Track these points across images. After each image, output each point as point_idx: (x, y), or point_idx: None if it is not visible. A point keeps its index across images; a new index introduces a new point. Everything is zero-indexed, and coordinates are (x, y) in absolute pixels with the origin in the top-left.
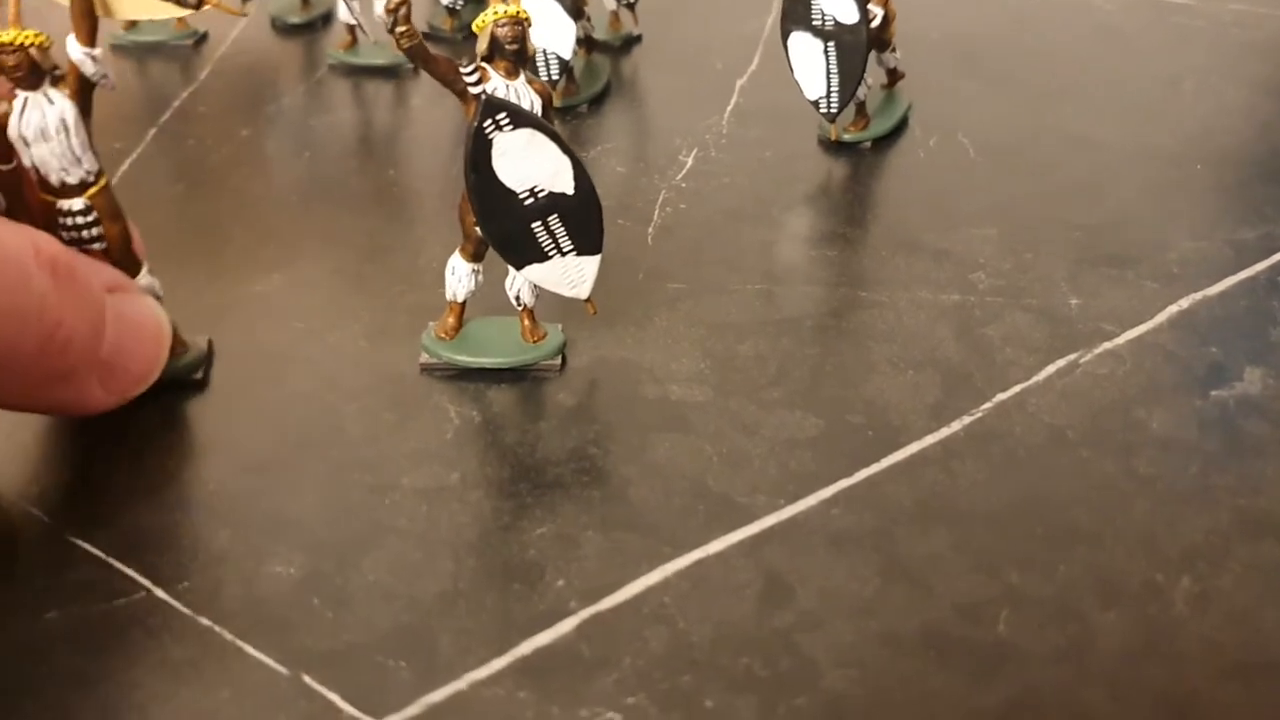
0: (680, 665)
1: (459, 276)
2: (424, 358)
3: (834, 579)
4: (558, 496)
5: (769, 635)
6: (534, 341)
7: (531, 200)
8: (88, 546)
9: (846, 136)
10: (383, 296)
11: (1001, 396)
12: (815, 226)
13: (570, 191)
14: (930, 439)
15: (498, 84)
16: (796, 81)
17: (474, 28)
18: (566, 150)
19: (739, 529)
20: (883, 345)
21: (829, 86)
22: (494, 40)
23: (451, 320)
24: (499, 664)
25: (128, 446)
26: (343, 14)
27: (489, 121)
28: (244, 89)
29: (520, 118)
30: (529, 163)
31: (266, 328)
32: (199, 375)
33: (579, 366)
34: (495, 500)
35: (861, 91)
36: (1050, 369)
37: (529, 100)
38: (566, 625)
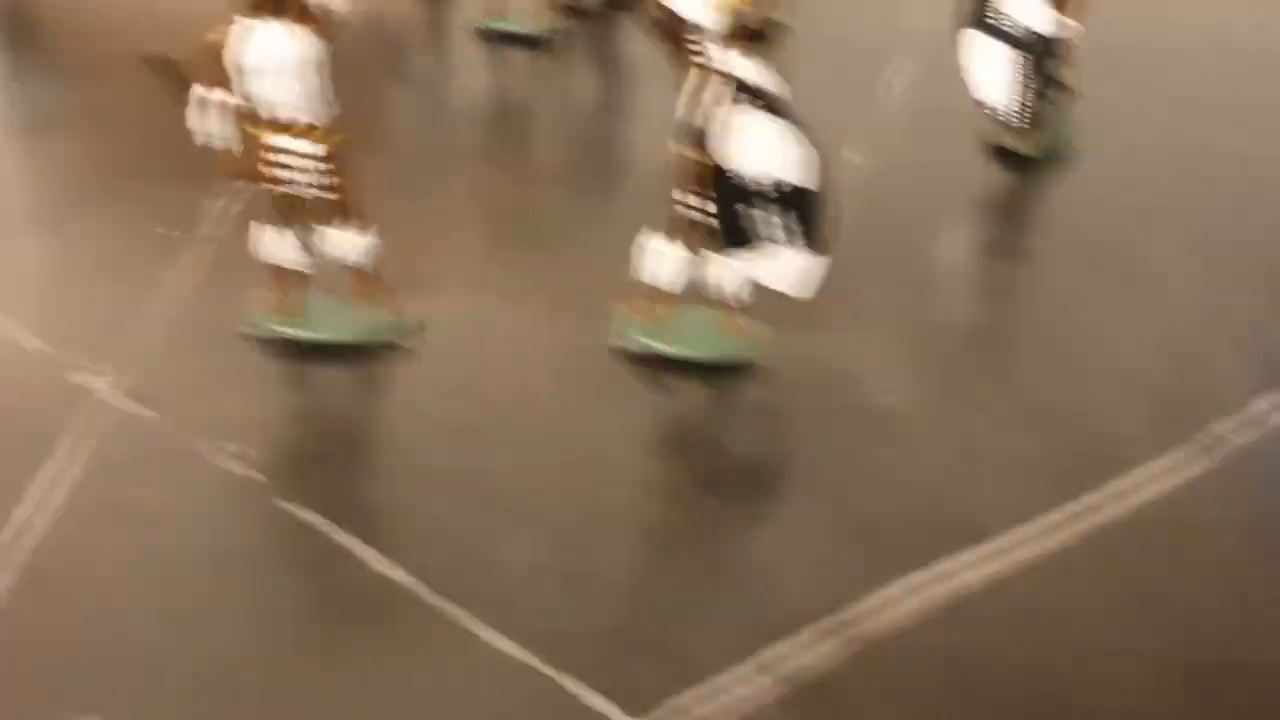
0: (951, 694)
1: (668, 263)
2: (623, 341)
3: (1101, 606)
4: (780, 501)
5: (1032, 665)
6: (736, 337)
7: (766, 189)
8: (305, 514)
9: (1024, 148)
10: (573, 273)
11: (1231, 423)
12: (1002, 238)
13: (807, 185)
14: (1162, 463)
15: (735, 62)
16: (972, 85)
17: (718, 4)
18: (808, 140)
19: (975, 547)
20: (1092, 362)
21: (1010, 94)
22: (737, 19)
23: (654, 306)
24: (745, 672)
25: (333, 411)
26: None
27: (732, 99)
28: (388, 52)
29: (765, 100)
30: (766, 148)
31: (455, 298)
32: (408, 343)
33: (780, 366)
34: (717, 499)
35: (1038, 101)
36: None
37: (773, 83)
38: (815, 639)
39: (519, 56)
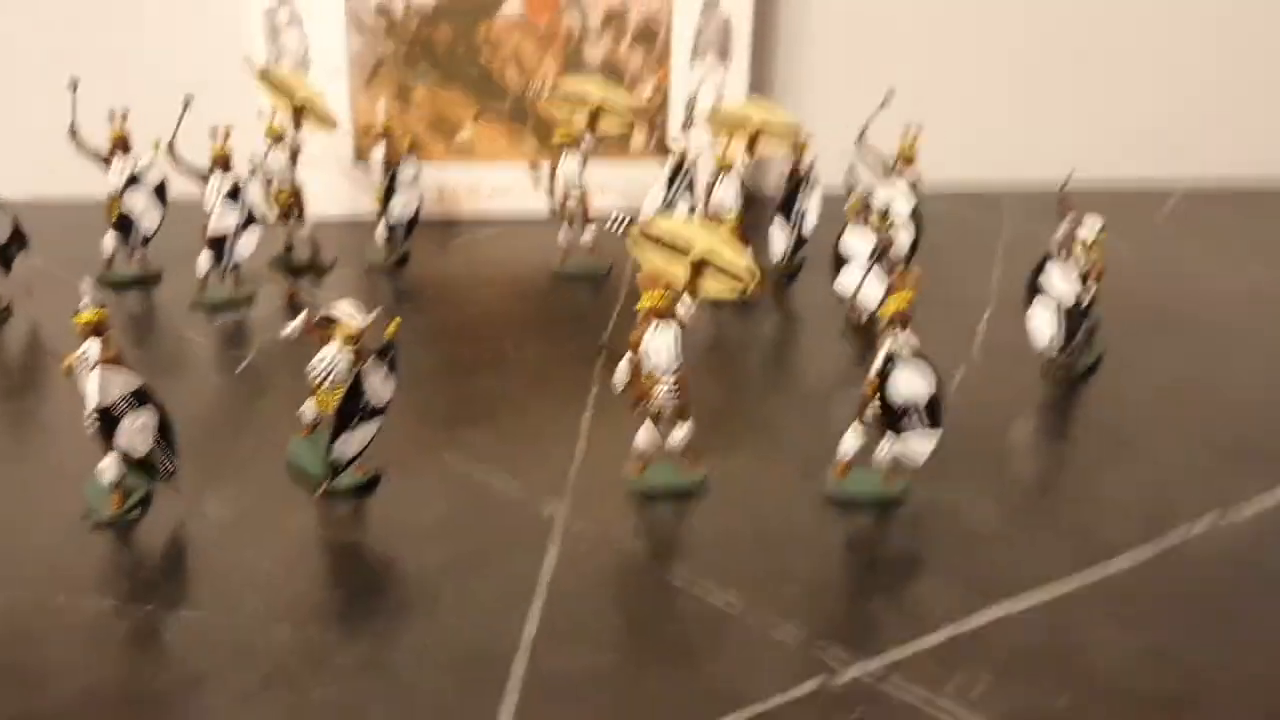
0: None
1: (853, 442)
2: (829, 491)
3: None
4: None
5: None
6: (891, 485)
7: (916, 404)
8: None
9: (1062, 369)
10: (791, 449)
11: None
12: (1050, 426)
13: (935, 396)
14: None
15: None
16: (1032, 333)
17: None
18: (933, 368)
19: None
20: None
21: (1056, 333)
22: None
23: (845, 468)
24: None
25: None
26: None
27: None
28: None
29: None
30: (917, 382)
31: (712, 463)
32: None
33: (912, 500)
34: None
35: (1073, 341)
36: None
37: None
38: None
39: None
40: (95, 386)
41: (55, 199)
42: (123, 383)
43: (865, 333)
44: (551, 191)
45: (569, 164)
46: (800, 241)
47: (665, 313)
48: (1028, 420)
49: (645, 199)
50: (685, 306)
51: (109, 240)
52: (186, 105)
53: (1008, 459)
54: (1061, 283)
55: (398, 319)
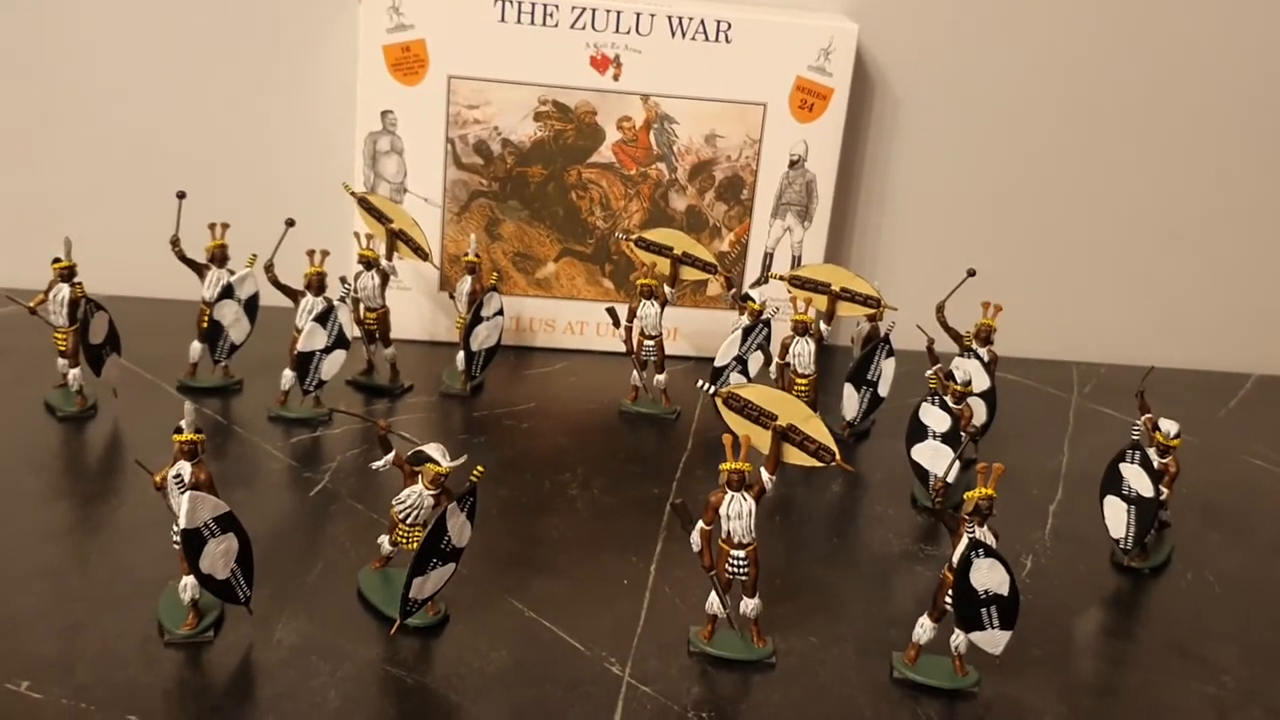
0: None
1: (927, 631)
2: (899, 675)
3: None
4: None
5: None
6: (963, 675)
7: (988, 598)
8: None
9: (1134, 564)
10: (850, 624)
11: None
12: (1109, 624)
13: (1008, 594)
14: None
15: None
16: (1105, 525)
17: (965, 496)
18: (1008, 564)
19: None
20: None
21: (1127, 532)
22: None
23: (913, 653)
24: None
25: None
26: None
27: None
28: None
29: (992, 551)
30: (993, 577)
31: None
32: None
33: (981, 690)
34: None
35: (1144, 537)
36: None
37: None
38: None
39: None
40: (186, 509)
41: (144, 295)
42: (211, 507)
43: (943, 500)
44: (629, 337)
45: (648, 309)
46: (873, 404)
47: (747, 483)
48: (1095, 614)
49: (719, 350)
50: (766, 477)
51: (195, 348)
52: (288, 227)
53: (1074, 654)
54: (1136, 481)
55: (480, 467)
